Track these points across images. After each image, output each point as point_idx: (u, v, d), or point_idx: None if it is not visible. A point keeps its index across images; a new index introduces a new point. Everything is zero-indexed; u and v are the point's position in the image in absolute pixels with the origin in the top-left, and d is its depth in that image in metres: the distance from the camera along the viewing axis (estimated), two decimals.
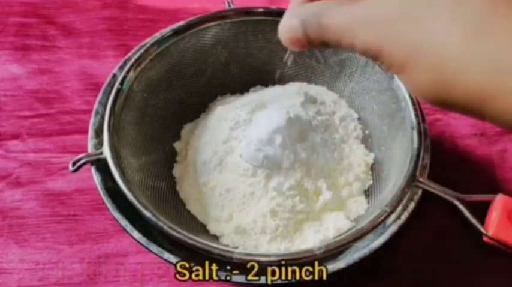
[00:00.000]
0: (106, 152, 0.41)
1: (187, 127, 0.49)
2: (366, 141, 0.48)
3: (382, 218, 0.39)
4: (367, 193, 0.46)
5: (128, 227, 0.39)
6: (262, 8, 0.48)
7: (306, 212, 0.43)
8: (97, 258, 0.46)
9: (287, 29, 0.28)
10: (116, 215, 0.39)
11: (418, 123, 0.42)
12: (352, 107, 0.50)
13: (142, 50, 0.45)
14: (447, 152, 0.51)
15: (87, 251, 0.46)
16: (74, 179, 0.49)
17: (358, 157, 0.47)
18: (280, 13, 0.48)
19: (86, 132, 0.44)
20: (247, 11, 0.48)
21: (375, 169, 0.47)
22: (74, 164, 0.40)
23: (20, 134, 0.52)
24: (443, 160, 0.49)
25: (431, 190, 0.40)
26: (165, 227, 0.38)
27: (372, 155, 0.47)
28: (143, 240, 0.39)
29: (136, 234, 0.39)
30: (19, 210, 0.48)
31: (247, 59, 0.50)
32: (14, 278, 0.45)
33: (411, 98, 0.44)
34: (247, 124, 0.45)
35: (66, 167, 0.50)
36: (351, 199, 0.45)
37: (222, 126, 0.46)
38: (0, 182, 0.49)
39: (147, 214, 0.38)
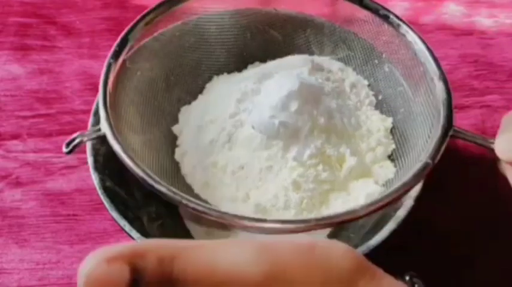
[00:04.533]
0: (104, 127, 0.38)
1: (185, 109, 0.47)
2: (381, 106, 0.47)
3: (426, 170, 0.37)
4: (392, 157, 0.45)
5: (127, 227, 0.39)
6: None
7: (330, 181, 0.41)
8: None
9: None
10: (114, 215, 0.39)
11: (442, 73, 0.41)
12: (360, 74, 0.48)
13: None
14: (447, 153, 0.51)
15: (87, 251, 0.46)
16: (74, 179, 0.49)
17: (376, 123, 0.45)
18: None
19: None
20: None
21: (395, 133, 0.45)
22: (68, 145, 0.37)
23: (20, 134, 0.52)
24: (444, 160, 0.49)
25: (469, 138, 0.39)
26: (184, 201, 0.34)
27: (390, 119, 0.46)
28: (141, 240, 0.39)
29: (134, 234, 0.39)
30: (19, 210, 0.48)
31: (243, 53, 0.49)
32: (13, 278, 0.45)
33: (429, 50, 0.42)
34: (256, 94, 0.43)
35: (66, 167, 0.50)
36: (376, 164, 0.44)
37: (226, 101, 0.44)
38: (0, 182, 0.49)
39: (162, 188, 0.35)
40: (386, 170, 0.43)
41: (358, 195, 0.42)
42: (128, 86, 0.43)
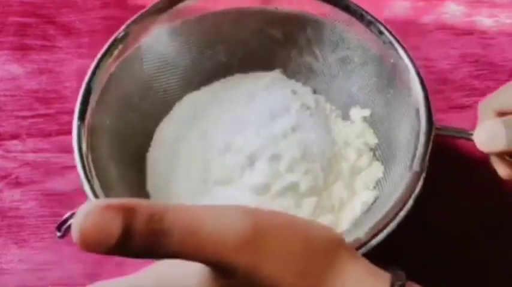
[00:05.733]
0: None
1: (150, 159, 0.47)
2: (359, 100, 0.47)
3: (417, 181, 0.38)
4: (376, 153, 0.45)
5: None
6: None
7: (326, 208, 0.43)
8: (97, 258, 0.46)
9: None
10: None
11: (415, 68, 0.41)
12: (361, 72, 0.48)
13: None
14: (447, 152, 0.51)
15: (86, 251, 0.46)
16: (74, 179, 0.49)
17: (351, 131, 0.46)
18: None
19: None
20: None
21: (376, 128, 0.46)
22: (59, 228, 0.36)
23: (19, 134, 0.52)
24: (444, 160, 0.49)
25: (451, 134, 0.40)
26: None
27: (367, 111, 0.46)
28: None
29: None
30: (18, 210, 0.48)
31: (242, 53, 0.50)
32: (13, 279, 0.45)
33: (399, 43, 0.43)
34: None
35: (66, 167, 0.50)
36: (363, 171, 0.44)
37: (192, 175, 0.44)
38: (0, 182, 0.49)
39: None
40: (375, 171, 0.44)
41: (354, 205, 0.43)
42: (102, 142, 0.42)
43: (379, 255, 0.37)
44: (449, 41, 0.57)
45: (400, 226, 0.39)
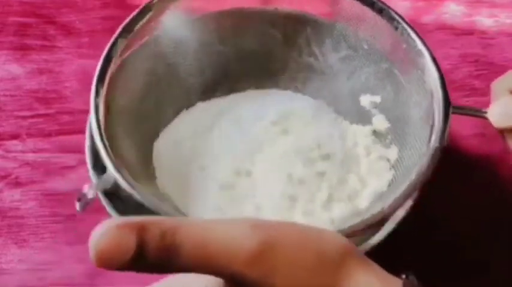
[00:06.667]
0: (114, 174, 0.37)
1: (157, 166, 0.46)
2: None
3: (437, 155, 0.38)
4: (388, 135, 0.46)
5: None
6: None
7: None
8: None
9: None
10: (114, 215, 0.39)
11: (428, 49, 0.42)
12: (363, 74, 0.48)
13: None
14: (448, 153, 0.51)
15: (87, 251, 0.45)
16: (74, 179, 0.49)
17: (359, 131, 0.47)
18: None
19: (85, 132, 0.43)
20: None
21: (388, 112, 0.46)
22: (80, 201, 0.36)
23: (19, 134, 0.52)
24: (444, 160, 0.49)
25: (464, 112, 0.40)
26: None
27: (378, 97, 0.46)
28: None
29: None
30: (18, 210, 0.48)
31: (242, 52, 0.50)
32: (13, 279, 0.45)
33: (411, 28, 0.43)
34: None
35: (66, 167, 0.50)
36: (373, 164, 0.45)
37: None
38: None
39: None
40: (391, 153, 0.44)
41: (370, 186, 0.43)
42: (118, 120, 0.42)
43: (381, 255, 0.37)
44: (449, 41, 0.57)
45: (401, 225, 0.39)
